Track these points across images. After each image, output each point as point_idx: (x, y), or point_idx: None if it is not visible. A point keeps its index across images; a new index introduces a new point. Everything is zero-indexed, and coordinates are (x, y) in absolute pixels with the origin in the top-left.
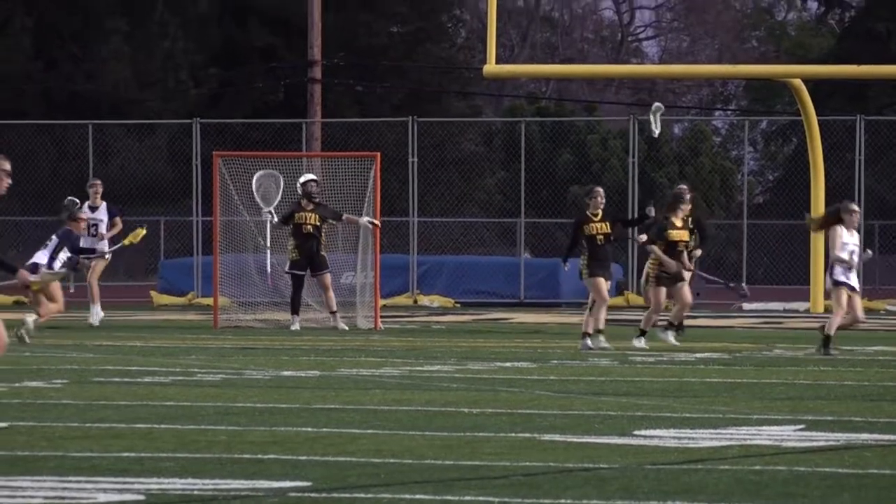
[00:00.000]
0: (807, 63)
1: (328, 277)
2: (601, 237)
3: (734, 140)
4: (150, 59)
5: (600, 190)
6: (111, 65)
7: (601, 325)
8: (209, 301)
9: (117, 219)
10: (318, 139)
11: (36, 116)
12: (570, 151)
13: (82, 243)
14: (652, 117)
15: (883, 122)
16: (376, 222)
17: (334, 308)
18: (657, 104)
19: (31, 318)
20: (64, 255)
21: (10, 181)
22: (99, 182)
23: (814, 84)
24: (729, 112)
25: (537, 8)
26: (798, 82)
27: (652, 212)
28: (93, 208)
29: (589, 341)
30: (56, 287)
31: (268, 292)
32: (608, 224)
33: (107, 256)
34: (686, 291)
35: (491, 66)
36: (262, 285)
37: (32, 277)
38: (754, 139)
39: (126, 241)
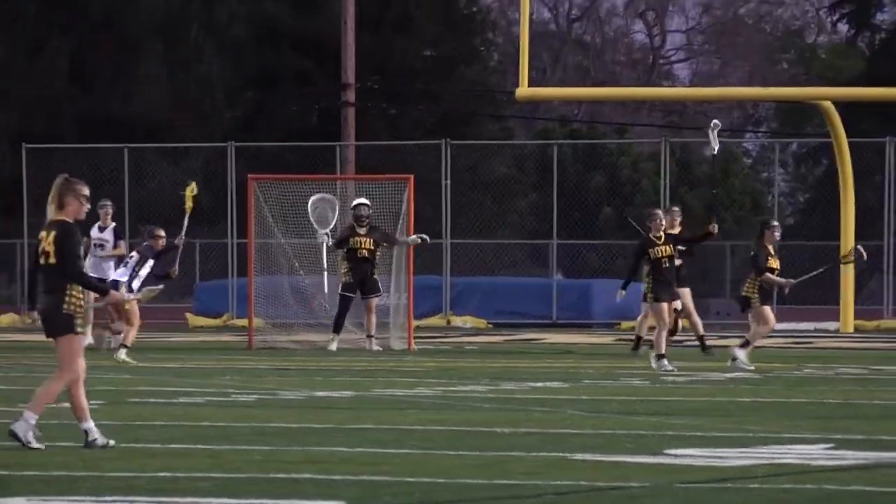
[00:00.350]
0: (837, 85)
1: (375, 301)
2: (666, 260)
3: (765, 162)
4: (185, 82)
5: (659, 212)
6: (147, 88)
7: (662, 350)
8: (244, 322)
9: (121, 242)
10: (352, 162)
11: (72, 140)
12: (602, 174)
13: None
14: (711, 134)
15: None
16: (425, 237)
17: (373, 332)
18: (715, 121)
19: (122, 354)
20: (144, 271)
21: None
22: (110, 203)
23: (844, 106)
24: (759, 134)
25: (569, 31)
26: (828, 104)
27: (716, 228)
28: (101, 228)
29: (666, 361)
30: (134, 308)
31: (302, 314)
32: (671, 246)
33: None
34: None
35: (523, 90)
36: (297, 306)
37: (129, 296)
38: (785, 161)
39: (188, 206)
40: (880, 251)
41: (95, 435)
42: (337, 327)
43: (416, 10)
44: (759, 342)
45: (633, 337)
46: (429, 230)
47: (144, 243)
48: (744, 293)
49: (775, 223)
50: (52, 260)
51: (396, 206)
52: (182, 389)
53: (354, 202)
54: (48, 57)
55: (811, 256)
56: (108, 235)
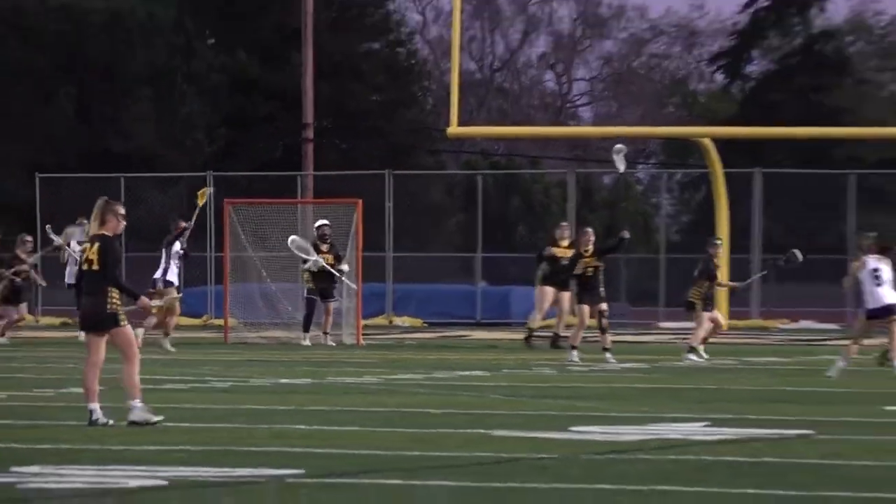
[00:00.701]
0: (714, 125)
1: (333, 305)
2: (591, 269)
3: (654, 188)
4: (170, 121)
5: (590, 230)
6: (139, 126)
7: (577, 343)
8: (221, 322)
9: None
10: (311, 189)
11: (77, 170)
12: (518, 198)
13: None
14: (616, 157)
15: (775, 174)
16: (353, 286)
17: (328, 330)
18: (619, 145)
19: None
20: (174, 262)
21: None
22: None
23: (720, 142)
24: (650, 165)
25: (492, 80)
26: (707, 141)
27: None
28: (81, 243)
29: (576, 354)
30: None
31: (270, 315)
32: (597, 258)
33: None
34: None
35: (454, 128)
36: (265, 308)
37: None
38: (671, 188)
39: (199, 202)
40: (749, 263)
41: (98, 415)
42: (307, 327)
43: (365, 62)
44: (702, 336)
45: (548, 333)
46: (375, 244)
47: (168, 237)
48: (689, 299)
49: (718, 241)
50: (94, 267)
51: (347, 226)
52: (168, 377)
53: (318, 223)
54: (57, 101)
55: (691, 266)
56: None
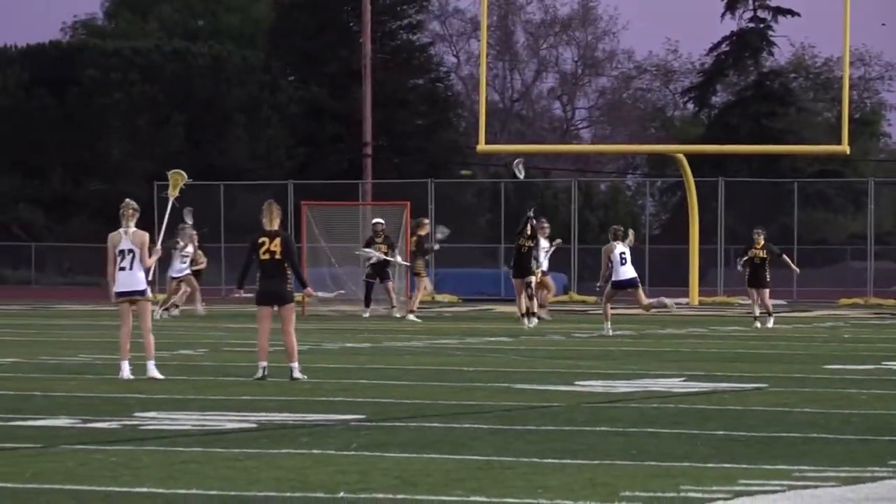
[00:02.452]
0: (686, 143)
1: (391, 284)
2: (525, 248)
3: (640, 193)
4: (259, 141)
5: (544, 220)
6: (235, 145)
7: (522, 310)
8: (299, 298)
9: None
10: (369, 194)
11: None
12: (533, 201)
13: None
14: (515, 168)
15: (736, 182)
16: (407, 264)
17: (395, 304)
18: (518, 158)
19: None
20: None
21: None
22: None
23: (691, 157)
24: (636, 175)
25: (511, 108)
26: (681, 156)
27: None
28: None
29: (525, 320)
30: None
31: (337, 293)
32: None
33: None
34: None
35: (482, 146)
36: (334, 288)
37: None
38: (653, 193)
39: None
40: (715, 252)
41: (297, 373)
42: (367, 303)
43: (411, 94)
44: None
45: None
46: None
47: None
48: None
49: (758, 232)
50: (277, 256)
51: (398, 223)
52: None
53: (373, 220)
54: (171, 126)
55: (670, 255)
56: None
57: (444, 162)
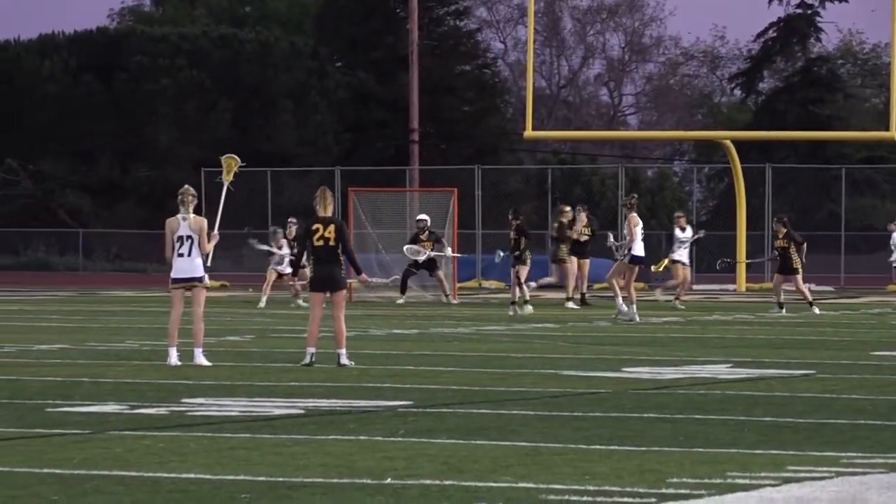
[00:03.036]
0: (733, 130)
1: (441, 273)
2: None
3: (687, 179)
4: (306, 127)
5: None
6: (282, 131)
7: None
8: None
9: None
10: (416, 180)
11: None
12: (580, 187)
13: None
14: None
15: (783, 169)
16: (458, 255)
17: (447, 292)
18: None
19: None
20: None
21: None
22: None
23: (738, 143)
24: (683, 161)
25: (558, 94)
26: (728, 142)
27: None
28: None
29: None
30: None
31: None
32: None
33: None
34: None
35: (529, 132)
36: (380, 274)
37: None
38: (700, 179)
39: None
40: (762, 239)
41: (344, 360)
42: (402, 289)
43: (458, 81)
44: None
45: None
46: (467, 223)
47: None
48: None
49: (779, 220)
50: (331, 243)
51: (445, 209)
52: (303, 328)
53: (417, 217)
54: (218, 111)
55: (718, 242)
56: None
57: (490, 148)
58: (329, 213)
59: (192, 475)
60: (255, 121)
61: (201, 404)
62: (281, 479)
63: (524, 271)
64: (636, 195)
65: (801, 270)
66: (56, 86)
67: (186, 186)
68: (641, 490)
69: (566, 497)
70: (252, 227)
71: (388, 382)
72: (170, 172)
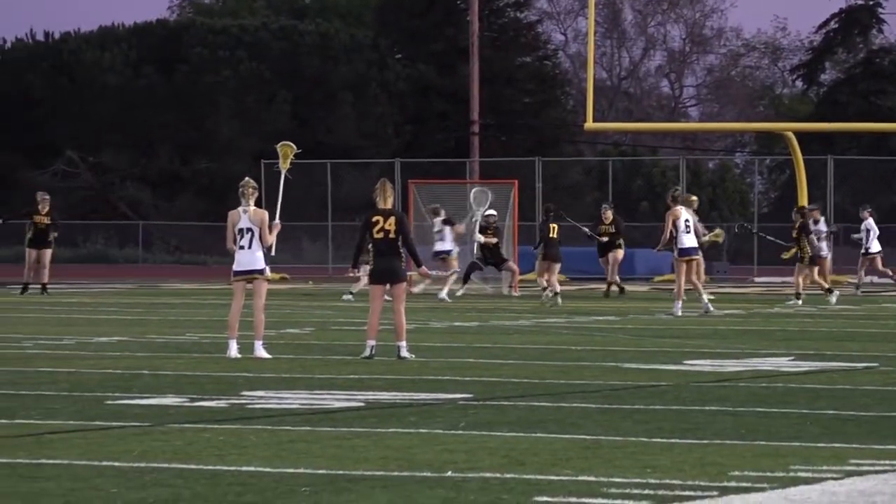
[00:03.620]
0: (795, 121)
1: (512, 264)
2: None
3: (748, 171)
4: (367, 119)
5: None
6: (342, 123)
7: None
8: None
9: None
10: (477, 172)
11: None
12: (641, 179)
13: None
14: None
15: (845, 160)
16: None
17: (513, 284)
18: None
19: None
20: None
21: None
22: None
23: (800, 135)
24: (745, 153)
25: (619, 86)
26: (790, 134)
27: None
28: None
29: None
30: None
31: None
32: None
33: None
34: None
35: (589, 124)
36: (440, 267)
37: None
38: (761, 171)
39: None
40: (823, 231)
41: (405, 352)
42: (465, 281)
43: (519, 72)
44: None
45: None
46: (527, 216)
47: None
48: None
49: (808, 206)
50: (391, 235)
51: (505, 201)
52: (363, 320)
53: (487, 212)
54: (278, 103)
55: (779, 234)
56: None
57: (551, 140)
58: (389, 206)
59: (251, 468)
60: (315, 113)
61: (261, 397)
62: (341, 472)
63: (619, 254)
64: (678, 188)
65: (806, 261)
66: (116, 78)
67: (247, 179)
68: (703, 483)
69: (627, 490)
70: (311, 219)
71: (448, 375)
72: (230, 164)
